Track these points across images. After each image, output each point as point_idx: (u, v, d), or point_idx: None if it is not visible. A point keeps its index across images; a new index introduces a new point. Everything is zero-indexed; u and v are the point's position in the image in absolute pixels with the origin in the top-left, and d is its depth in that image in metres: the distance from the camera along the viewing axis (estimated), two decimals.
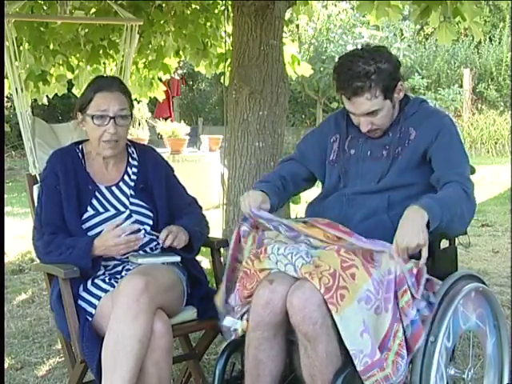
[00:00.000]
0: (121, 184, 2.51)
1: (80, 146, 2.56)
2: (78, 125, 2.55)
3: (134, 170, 2.55)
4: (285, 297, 2.09)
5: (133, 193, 2.51)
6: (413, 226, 2.04)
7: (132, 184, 2.52)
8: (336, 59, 2.34)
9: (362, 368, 1.98)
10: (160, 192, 2.53)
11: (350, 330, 1.98)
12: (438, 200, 2.12)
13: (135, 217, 2.47)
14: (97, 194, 2.47)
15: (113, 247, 2.31)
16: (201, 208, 2.66)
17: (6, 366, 3.20)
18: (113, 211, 2.45)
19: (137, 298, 2.16)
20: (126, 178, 2.53)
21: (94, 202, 2.45)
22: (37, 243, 2.43)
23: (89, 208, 2.44)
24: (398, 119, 2.35)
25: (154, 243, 2.48)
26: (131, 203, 2.49)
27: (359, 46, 2.37)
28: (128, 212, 2.47)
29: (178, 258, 2.44)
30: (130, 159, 2.57)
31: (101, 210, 2.45)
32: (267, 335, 2.13)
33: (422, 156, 2.29)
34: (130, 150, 2.59)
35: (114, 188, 2.50)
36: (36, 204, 2.53)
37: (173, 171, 2.65)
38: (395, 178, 2.29)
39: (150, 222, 2.48)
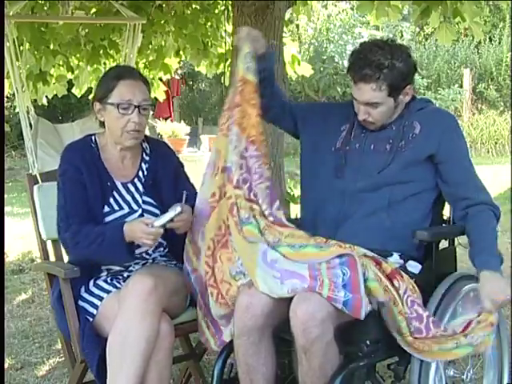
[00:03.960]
0: (135, 181, 2.46)
1: (93, 138, 2.47)
2: (95, 115, 2.44)
3: (147, 165, 2.49)
4: (263, 299, 2.09)
5: (144, 190, 2.46)
6: (499, 283, 2.13)
7: (143, 180, 2.47)
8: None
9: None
10: (167, 189, 2.47)
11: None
12: (494, 250, 2.21)
13: (146, 216, 2.40)
14: (114, 192, 2.41)
15: (139, 238, 2.25)
16: None
17: (6, 366, 3.20)
18: (126, 209, 2.40)
19: (146, 298, 2.16)
20: (140, 174, 2.47)
21: (111, 200, 2.40)
22: (64, 235, 2.34)
23: (105, 206, 2.39)
24: (402, 114, 2.35)
25: (161, 248, 2.47)
26: (143, 201, 2.44)
27: (384, 39, 2.39)
28: (140, 211, 2.42)
29: (178, 209, 2.29)
30: (144, 155, 2.51)
31: (116, 207, 2.40)
32: (253, 340, 2.12)
33: (428, 156, 2.30)
34: (144, 146, 2.52)
35: (129, 185, 2.44)
36: (58, 197, 2.40)
37: (182, 167, 2.58)
38: (397, 171, 2.29)
39: None
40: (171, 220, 2.24)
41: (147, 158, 2.50)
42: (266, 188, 2.32)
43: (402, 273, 2.15)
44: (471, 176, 2.32)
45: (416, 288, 2.13)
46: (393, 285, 2.09)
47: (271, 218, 2.30)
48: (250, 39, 2.35)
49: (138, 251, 2.39)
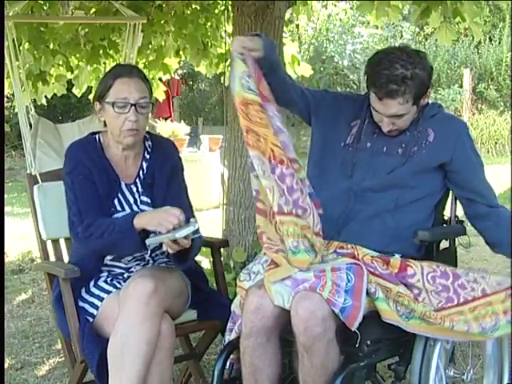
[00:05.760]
0: (137, 180, 2.43)
1: (97, 137, 2.43)
2: (96, 115, 2.43)
3: (147, 164, 2.45)
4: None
5: (142, 189, 2.43)
6: None
7: (143, 179, 2.43)
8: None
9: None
10: (159, 190, 2.43)
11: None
12: None
13: None
14: (119, 194, 2.39)
15: (156, 218, 2.16)
16: (195, 217, 2.39)
17: (6, 365, 3.20)
18: (128, 211, 2.38)
19: (146, 301, 2.15)
20: (140, 173, 2.44)
21: (115, 200, 2.38)
22: (77, 229, 2.29)
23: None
24: (417, 119, 2.34)
25: (160, 251, 2.39)
26: (141, 202, 2.41)
27: (397, 45, 2.35)
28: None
29: (197, 225, 2.20)
30: (145, 153, 2.46)
31: (118, 208, 2.38)
32: (260, 341, 2.13)
33: (440, 163, 2.31)
34: (146, 144, 2.47)
35: (132, 186, 2.42)
36: (66, 195, 2.37)
37: (181, 169, 2.52)
38: (407, 176, 2.29)
39: None
40: (185, 236, 2.14)
41: (148, 157, 2.46)
42: (309, 201, 2.19)
43: (410, 260, 2.20)
44: (485, 181, 2.37)
45: (428, 263, 2.19)
46: (405, 284, 2.13)
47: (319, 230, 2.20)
48: (246, 52, 2.14)
49: (138, 253, 2.37)
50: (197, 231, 2.17)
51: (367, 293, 2.06)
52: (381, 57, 2.25)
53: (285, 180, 2.11)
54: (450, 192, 2.43)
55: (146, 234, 2.21)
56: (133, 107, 2.30)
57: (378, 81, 2.21)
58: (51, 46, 4.28)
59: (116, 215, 2.36)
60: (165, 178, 2.44)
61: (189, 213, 2.40)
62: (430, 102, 2.40)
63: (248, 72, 2.13)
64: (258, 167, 2.09)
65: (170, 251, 2.20)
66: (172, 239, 2.14)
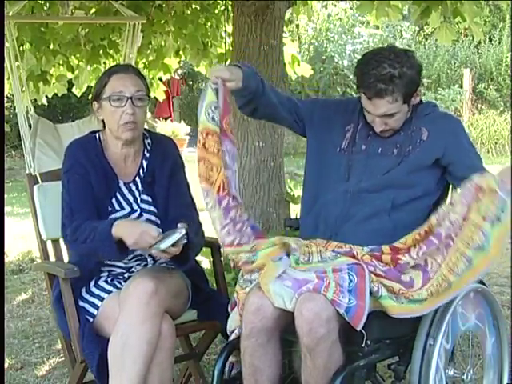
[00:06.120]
0: (136, 179, 2.44)
1: (97, 135, 2.45)
2: (94, 114, 2.45)
3: (147, 162, 2.46)
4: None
5: (142, 188, 2.43)
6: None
7: (143, 177, 2.44)
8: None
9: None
10: (160, 188, 2.44)
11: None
12: None
13: (145, 216, 2.39)
14: (117, 193, 2.40)
15: (134, 236, 2.17)
16: (198, 214, 2.49)
17: (6, 365, 3.20)
18: (127, 209, 2.39)
19: (147, 300, 2.16)
20: (140, 171, 2.45)
21: (113, 200, 2.39)
22: (66, 231, 2.32)
23: (108, 206, 2.38)
24: (410, 118, 2.35)
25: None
26: (142, 200, 2.42)
27: (384, 45, 2.36)
28: (139, 211, 2.40)
29: (183, 231, 2.22)
30: (145, 152, 2.47)
31: (117, 207, 2.38)
32: (261, 342, 2.12)
33: (435, 159, 2.30)
34: (146, 142, 2.48)
35: (131, 185, 2.42)
36: (63, 195, 2.39)
37: (182, 167, 2.54)
38: (403, 175, 2.29)
39: (158, 221, 2.39)
40: (173, 243, 2.16)
41: (148, 155, 2.47)
42: (254, 230, 2.27)
43: (398, 245, 2.19)
44: (483, 169, 2.28)
45: (413, 238, 2.17)
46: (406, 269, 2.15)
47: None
48: (220, 82, 2.18)
49: (139, 251, 2.37)
50: (184, 236, 2.19)
51: (370, 292, 2.07)
52: (369, 57, 2.28)
53: (230, 211, 2.20)
54: (449, 192, 2.43)
55: None
56: (129, 100, 2.33)
57: (367, 81, 2.23)
58: (52, 47, 4.28)
59: (114, 215, 2.36)
60: (166, 177, 2.45)
61: (191, 210, 2.45)
62: (424, 101, 2.41)
63: (216, 103, 2.20)
64: (204, 199, 2.21)
65: (162, 259, 2.22)
66: (159, 250, 2.17)
